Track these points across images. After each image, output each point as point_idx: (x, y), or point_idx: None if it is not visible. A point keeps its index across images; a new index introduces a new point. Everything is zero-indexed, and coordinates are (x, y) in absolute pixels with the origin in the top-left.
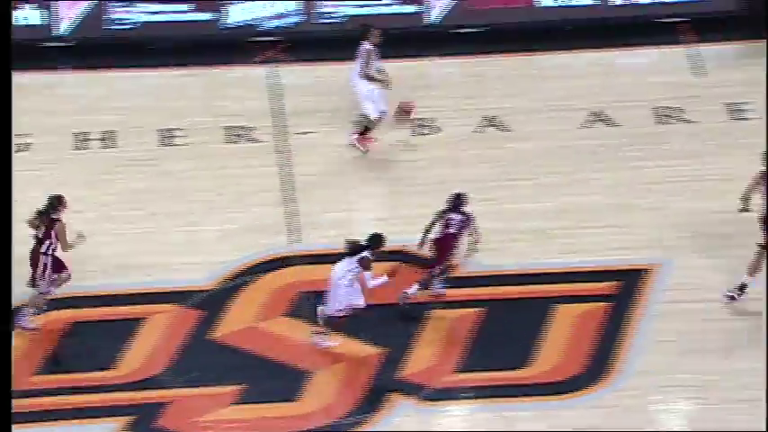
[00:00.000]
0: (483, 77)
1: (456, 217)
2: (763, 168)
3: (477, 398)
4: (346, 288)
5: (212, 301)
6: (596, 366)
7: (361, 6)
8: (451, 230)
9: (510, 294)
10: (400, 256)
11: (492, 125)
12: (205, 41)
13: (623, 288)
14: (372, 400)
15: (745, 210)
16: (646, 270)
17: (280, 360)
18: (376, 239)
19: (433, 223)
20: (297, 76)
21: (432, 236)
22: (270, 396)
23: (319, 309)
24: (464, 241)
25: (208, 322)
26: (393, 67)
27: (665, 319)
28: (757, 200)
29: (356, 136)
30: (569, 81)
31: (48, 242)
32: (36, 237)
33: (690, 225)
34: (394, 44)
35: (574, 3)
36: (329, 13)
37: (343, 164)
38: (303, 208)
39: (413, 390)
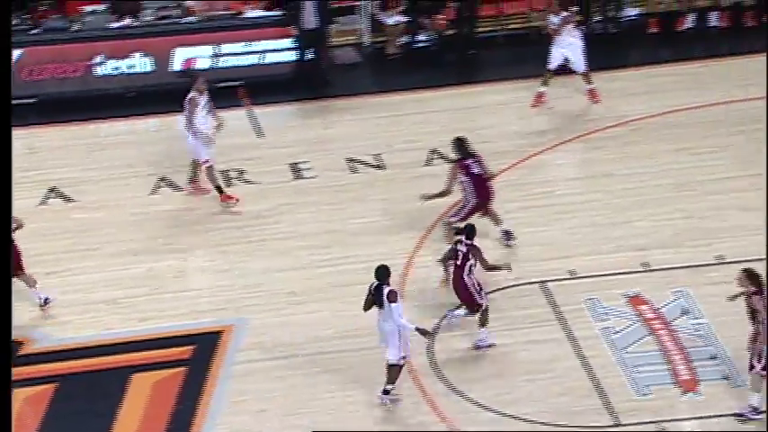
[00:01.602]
0: (38, 149)
1: (462, 248)
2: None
3: None
4: (395, 332)
5: None
6: None
7: None
8: (458, 262)
9: (84, 367)
10: None
11: (56, 196)
12: None
13: (198, 352)
14: None
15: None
16: (219, 332)
17: None
18: (383, 271)
19: (447, 258)
20: None
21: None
22: None
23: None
24: (474, 271)
25: None
26: None
27: (242, 379)
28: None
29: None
30: (134, 147)
31: None
32: None
33: (261, 284)
34: None
35: (133, 71)
36: None
37: None
38: None
39: None
